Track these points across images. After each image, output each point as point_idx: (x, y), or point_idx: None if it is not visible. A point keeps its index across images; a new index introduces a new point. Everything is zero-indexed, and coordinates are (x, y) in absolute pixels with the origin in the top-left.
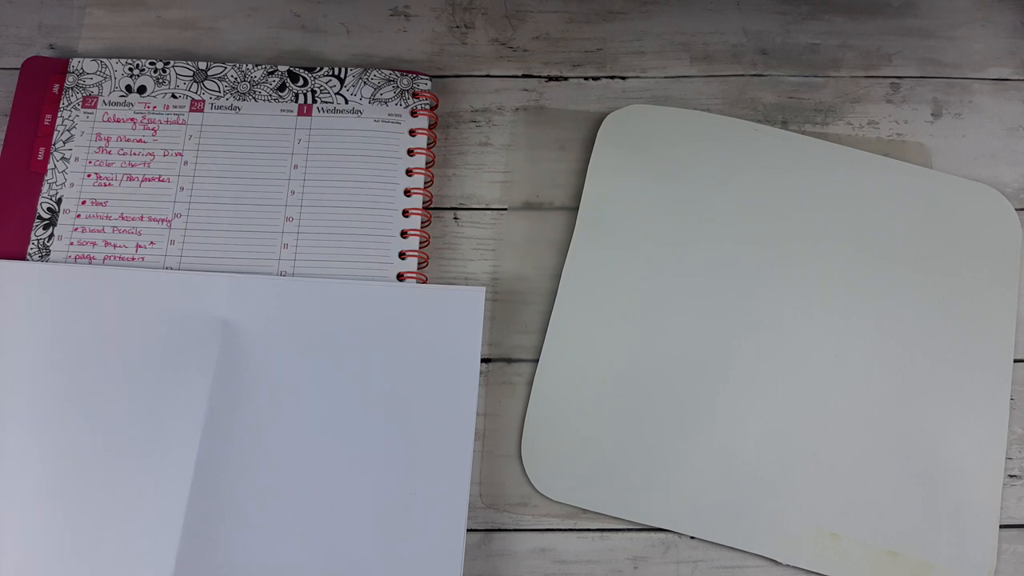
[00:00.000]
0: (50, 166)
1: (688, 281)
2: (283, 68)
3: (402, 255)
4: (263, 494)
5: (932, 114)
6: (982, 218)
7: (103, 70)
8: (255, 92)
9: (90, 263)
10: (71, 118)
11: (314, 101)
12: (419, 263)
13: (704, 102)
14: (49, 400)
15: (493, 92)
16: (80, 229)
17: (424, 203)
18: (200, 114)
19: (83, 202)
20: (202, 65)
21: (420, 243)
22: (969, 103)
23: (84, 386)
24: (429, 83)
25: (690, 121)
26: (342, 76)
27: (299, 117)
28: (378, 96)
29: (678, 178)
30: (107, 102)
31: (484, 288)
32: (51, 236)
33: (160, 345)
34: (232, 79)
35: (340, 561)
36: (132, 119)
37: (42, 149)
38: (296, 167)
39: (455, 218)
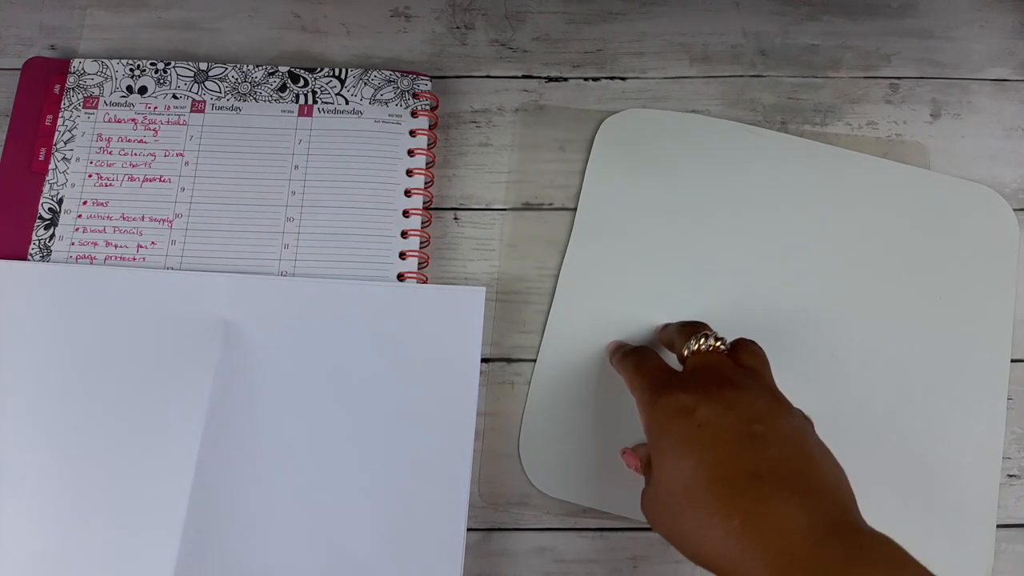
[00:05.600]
0: (51, 166)
1: (685, 282)
2: (284, 69)
3: (402, 255)
4: (263, 494)
5: (931, 114)
6: (980, 218)
7: (104, 71)
8: (256, 93)
9: (91, 263)
10: (72, 118)
11: (315, 102)
12: (419, 263)
13: (703, 103)
14: (50, 400)
15: (493, 93)
16: (81, 229)
17: (424, 203)
18: (201, 115)
19: (84, 202)
20: (203, 66)
21: (420, 243)
22: (968, 103)
23: (85, 386)
24: (429, 84)
25: (687, 124)
26: (342, 77)
27: (300, 118)
28: (378, 97)
29: (675, 180)
30: (108, 103)
31: (484, 288)
32: (52, 236)
33: (161, 345)
34: (233, 80)
35: (340, 561)
36: (133, 119)
37: (43, 149)
38: (297, 167)
39: (455, 218)
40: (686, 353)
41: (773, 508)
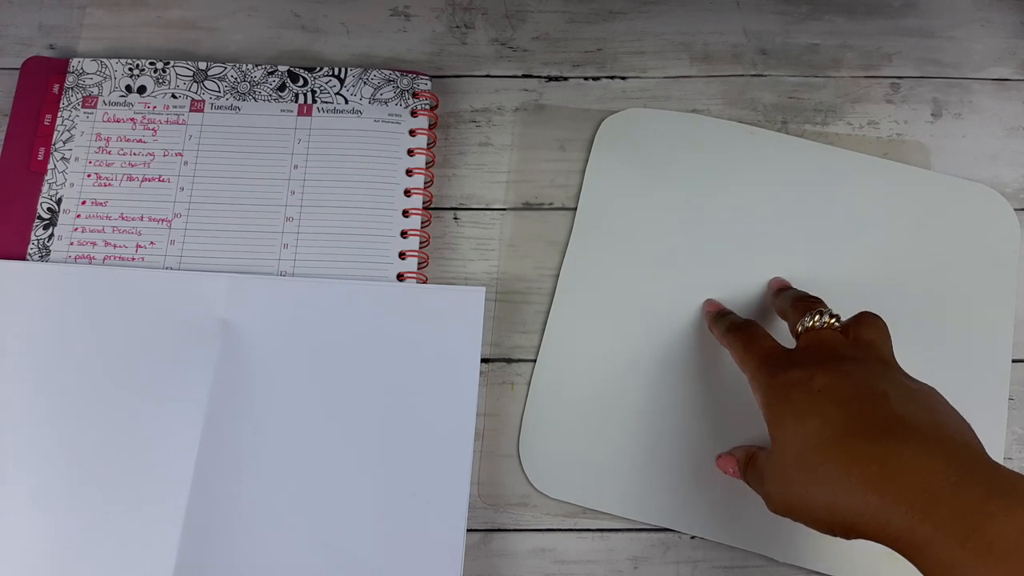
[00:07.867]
0: (50, 166)
1: (685, 281)
2: (283, 68)
3: (402, 255)
4: (263, 494)
5: (932, 114)
6: (981, 218)
7: (103, 70)
8: (255, 92)
9: (90, 263)
10: (71, 118)
11: (314, 101)
12: (419, 263)
13: (704, 102)
14: (49, 400)
15: (493, 92)
16: (80, 229)
17: (424, 203)
18: (200, 114)
19: (83, 202)
20: (202, 65)
21: (420, 243)
22: (969, 103)
23: (84, 386)
24: (429, 83)
25: (687, 124)
26: (342, 76)
27: (299, 117)
28: (378, 96)
29: (675, 180)
30: (107, 102)
31: (484, 288)
32: (51, 236)
33: (160, 345)
34: (232, 79)
35: (340, 561)
36: (132, 119)
37: (42, 149)
38: (296, 167)
39: (455, 218)
40: (799, 330)
41: (908, 452)
